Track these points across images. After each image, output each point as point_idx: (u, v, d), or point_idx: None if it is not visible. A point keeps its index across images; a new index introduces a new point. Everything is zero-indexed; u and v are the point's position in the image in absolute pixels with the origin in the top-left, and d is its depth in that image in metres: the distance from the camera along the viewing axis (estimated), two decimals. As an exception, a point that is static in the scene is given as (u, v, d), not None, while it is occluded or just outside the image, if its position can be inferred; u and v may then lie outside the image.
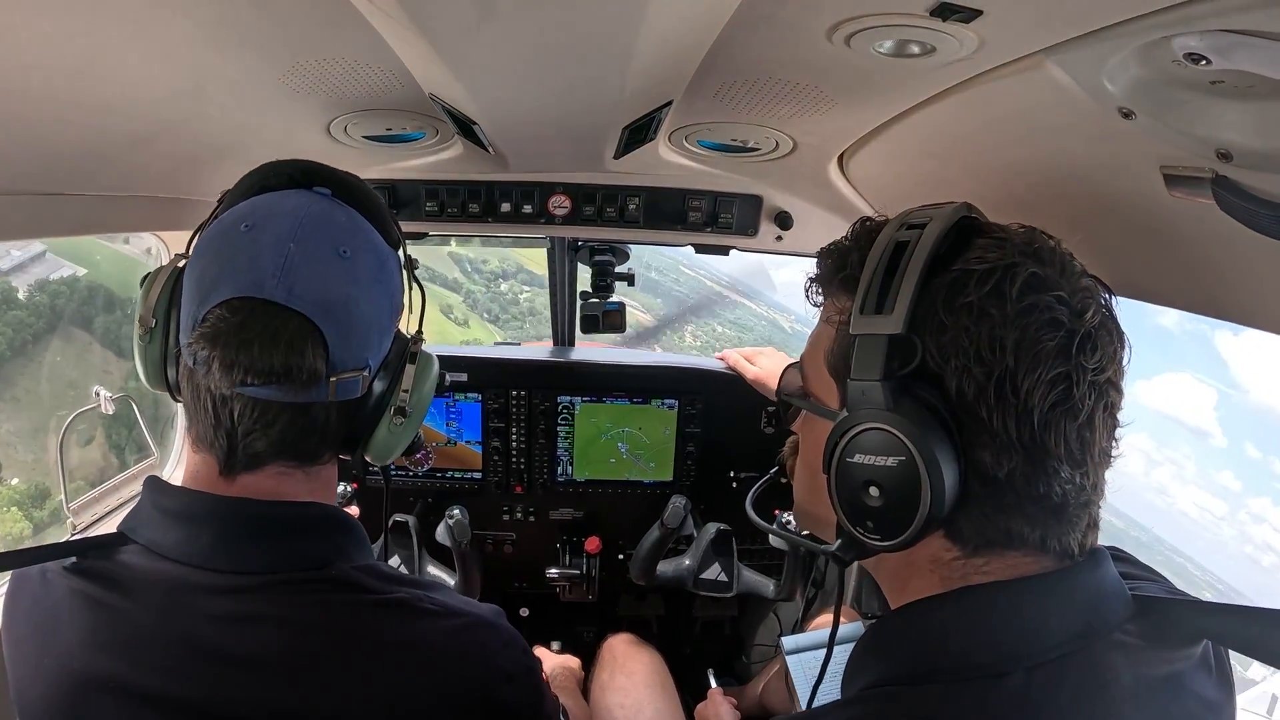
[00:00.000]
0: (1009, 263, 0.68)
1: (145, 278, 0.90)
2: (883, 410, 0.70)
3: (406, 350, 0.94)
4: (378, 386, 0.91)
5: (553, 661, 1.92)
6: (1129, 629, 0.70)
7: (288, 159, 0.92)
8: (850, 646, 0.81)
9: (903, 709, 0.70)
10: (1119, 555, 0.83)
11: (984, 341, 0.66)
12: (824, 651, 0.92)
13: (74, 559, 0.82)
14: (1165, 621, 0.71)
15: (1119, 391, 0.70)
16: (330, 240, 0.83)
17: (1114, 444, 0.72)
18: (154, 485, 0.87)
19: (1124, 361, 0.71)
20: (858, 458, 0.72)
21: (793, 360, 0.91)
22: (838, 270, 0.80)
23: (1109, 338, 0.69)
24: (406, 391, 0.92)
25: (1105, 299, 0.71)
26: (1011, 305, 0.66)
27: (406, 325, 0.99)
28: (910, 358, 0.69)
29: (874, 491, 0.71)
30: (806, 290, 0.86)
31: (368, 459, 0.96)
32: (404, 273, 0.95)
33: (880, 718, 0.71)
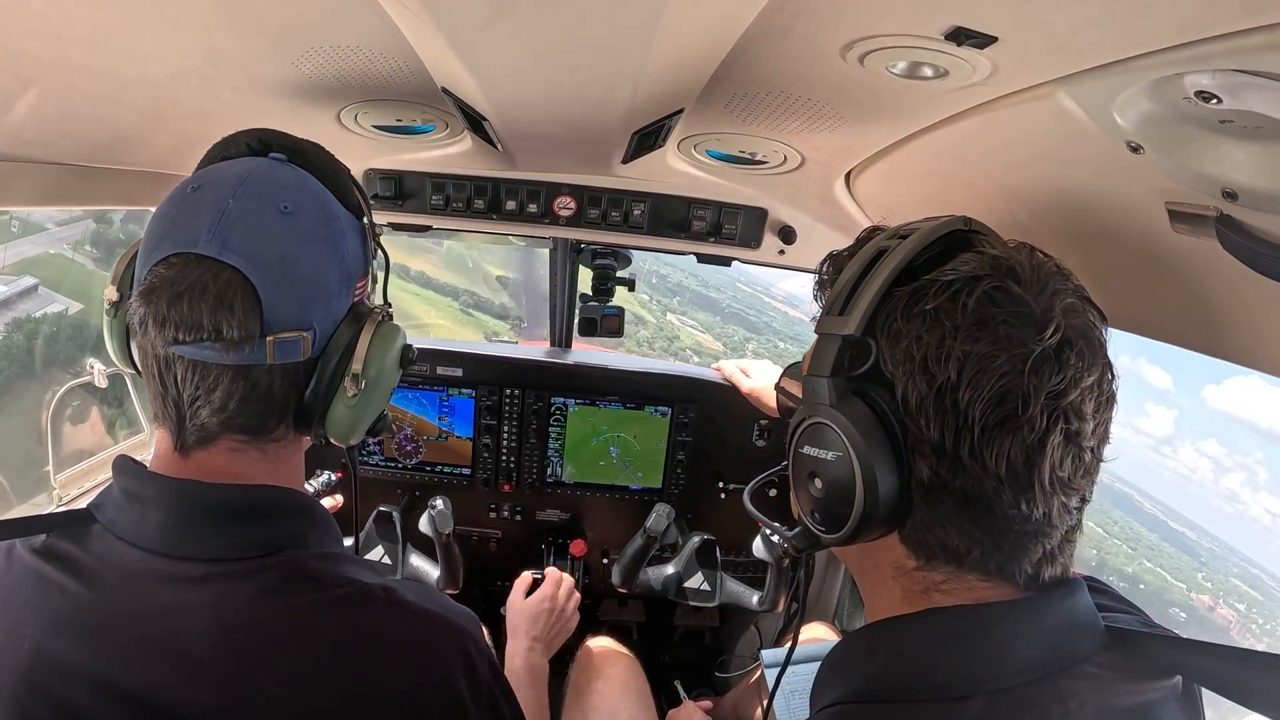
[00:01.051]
0: (974, 275, 0.68)
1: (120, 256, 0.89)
2: (826, 405, 0.71)
3: (364, 319, 0.88)
4: (330, 356, 0.86)
5: (519, 662, 1.71)
6: (1099, 660, 0.69)
7: (247, 129, 0.90)
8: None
9: None
10: (1095, 586, 0.83)
11: (931, 351, 0.66)
12: (804, 666, 0.92)
13: (44, 537, 0.81)
14: (1137, 654, 0.71)
15: (1083, 419, 0.66)
16: (272, 196, 0.81)
17: (1081, 475, 0.68)
18: (119, 465, 0.84)
19: (1106, 386, 0.69)
20: (806, 449, 0.75)
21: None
22: (832, 275, 0.83)
23: (1078, 361, 0.65)
24: (362, 364, 0.87)
25: (1087, 323, 0.69)
26: (964, 317, 0.66)
27: (372, 299, 0.96)
28: (864, 359, 0.70)
29: (818, 483, 0.73)
30: (815, 294, 0.88)
31: (330, 438, 0.91)
32: (365, 241, 0.91)
33: None
